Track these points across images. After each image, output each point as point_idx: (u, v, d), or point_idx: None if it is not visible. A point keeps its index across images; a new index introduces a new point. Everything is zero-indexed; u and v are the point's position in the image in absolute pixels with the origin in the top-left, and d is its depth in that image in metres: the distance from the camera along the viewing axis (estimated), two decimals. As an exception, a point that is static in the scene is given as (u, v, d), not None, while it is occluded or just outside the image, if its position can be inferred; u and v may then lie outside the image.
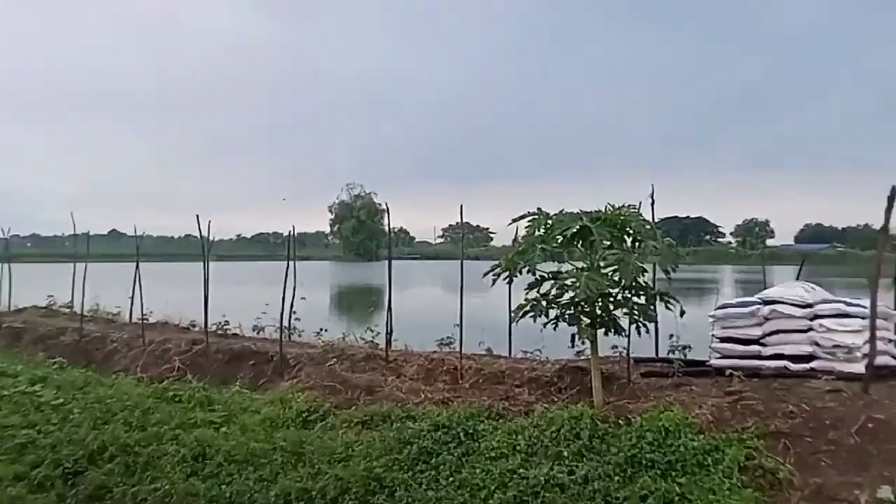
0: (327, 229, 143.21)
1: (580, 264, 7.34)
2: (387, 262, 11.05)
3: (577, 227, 7.06)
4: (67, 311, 17.34)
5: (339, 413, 8.51)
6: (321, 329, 12.60)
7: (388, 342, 10.44)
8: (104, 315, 16.36)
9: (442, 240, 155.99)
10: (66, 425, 9.07)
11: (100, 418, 9.09)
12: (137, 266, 13.88)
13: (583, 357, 8.87)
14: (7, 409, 9.62)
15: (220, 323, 13.14)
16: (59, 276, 19.79)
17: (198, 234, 12.26)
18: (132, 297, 14.36)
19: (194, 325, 13.93)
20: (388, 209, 11.81)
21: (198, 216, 12.22)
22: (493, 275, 7.51)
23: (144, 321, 14.02)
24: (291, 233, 12.54)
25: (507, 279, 7.53)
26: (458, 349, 9.79)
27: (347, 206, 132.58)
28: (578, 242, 7.24)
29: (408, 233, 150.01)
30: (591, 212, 7.28)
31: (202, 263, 12.03)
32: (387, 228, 12.53)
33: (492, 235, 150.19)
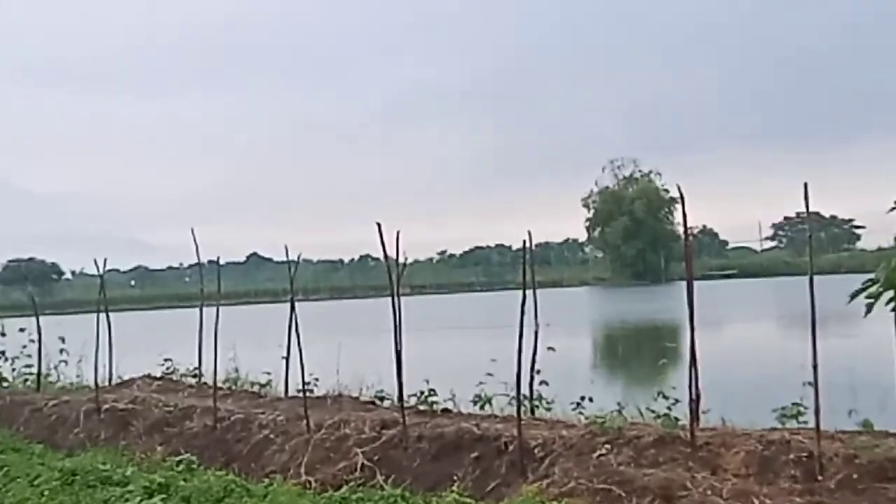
0: (583, 236, 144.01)
1: None
2: (685, 283, 10.97)
3: None
4: (193, 381, 18.63)
5: (619, 534, 8.58)
6: (582, 398, 12.80)
7: (695, 415, 10.43)
8: (247, 387, 17.55)
9: (773, 243, 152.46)
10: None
11: (250, 548, 9.59)
12: (293, 308, 14.52)
13: None
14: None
15: (421, 393, 13.69)
16: (177, 329, 21.29)
17: (378, 254, 12.68)
18: (287, 358, 15.06)
19: (382, 399, 14.63)
20: (682, 196, 11.20)
21: (379, 225, 12.64)
22: (867, 297, 7.33)
23: (308, 394, 14.64)
24: (527, 244, 12.45)
25: (893, 304, 7.31)
26: (813, 424, 9.61)
27: (614, 196, 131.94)
28: None
29: (716, 235, 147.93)
30: None
31: (390, 300, 12.61)
32: (682, 229, 12.12)
33: (858, 232, 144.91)
